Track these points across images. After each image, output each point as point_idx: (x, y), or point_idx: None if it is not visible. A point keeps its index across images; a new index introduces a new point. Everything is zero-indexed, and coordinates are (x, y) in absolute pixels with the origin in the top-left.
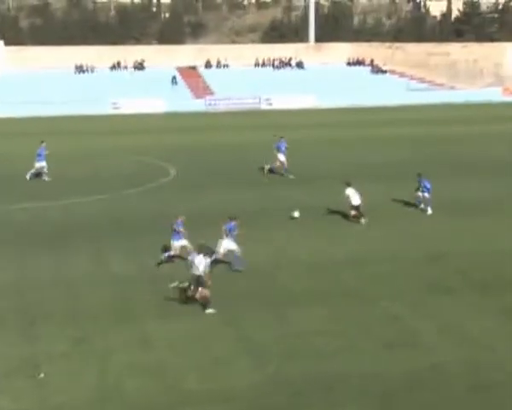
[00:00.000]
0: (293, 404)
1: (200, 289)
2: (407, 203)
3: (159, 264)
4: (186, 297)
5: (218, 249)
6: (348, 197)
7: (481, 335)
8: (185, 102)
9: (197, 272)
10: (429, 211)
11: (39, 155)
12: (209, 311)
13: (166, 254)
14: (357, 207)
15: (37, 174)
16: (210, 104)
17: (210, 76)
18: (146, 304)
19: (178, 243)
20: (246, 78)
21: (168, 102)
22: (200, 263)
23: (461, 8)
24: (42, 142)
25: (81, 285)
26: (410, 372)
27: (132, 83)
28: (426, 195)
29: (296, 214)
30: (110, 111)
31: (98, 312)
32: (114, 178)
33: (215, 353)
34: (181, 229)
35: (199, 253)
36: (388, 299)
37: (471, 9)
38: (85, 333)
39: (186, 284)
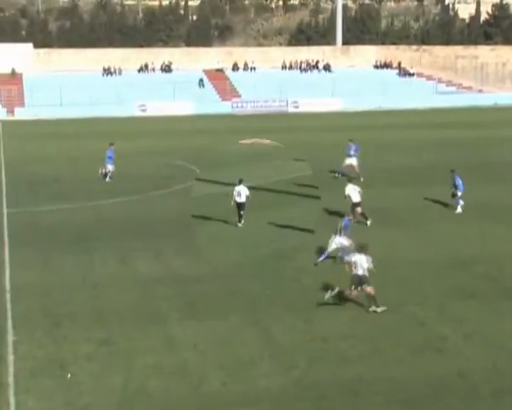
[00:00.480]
0: (318, 408)
1: (364, 287)
2: (434, 206)
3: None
4: (341, 299)
5: (331, 245)
6: (348, 195)
7: (508, 340)
8: (212, 104)
9: (360, 272)
10: (458, 209)
11: (109, 158)
12: (380, 309)
13: (325, 255)
14: (356, 205)
15: (105, 175)
16: (237, 107)
17: (237, 79)
18: (171, 306)
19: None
20: (273, 80)
21: (195, 105)
22: (363, 261)
23: (490, 11)
24: (111, 144)
25: (107, 286)
26: (437, 378)
27: (160, 85)
28: (457, 192)
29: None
30: (137, 113)
31: (123, 313)
32: (141, 180)
33: (239, 355)
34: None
35: (359, 252)
36: (414, 304)
37: (500, 12)
38: (111, 334)
39: (336, 290)
